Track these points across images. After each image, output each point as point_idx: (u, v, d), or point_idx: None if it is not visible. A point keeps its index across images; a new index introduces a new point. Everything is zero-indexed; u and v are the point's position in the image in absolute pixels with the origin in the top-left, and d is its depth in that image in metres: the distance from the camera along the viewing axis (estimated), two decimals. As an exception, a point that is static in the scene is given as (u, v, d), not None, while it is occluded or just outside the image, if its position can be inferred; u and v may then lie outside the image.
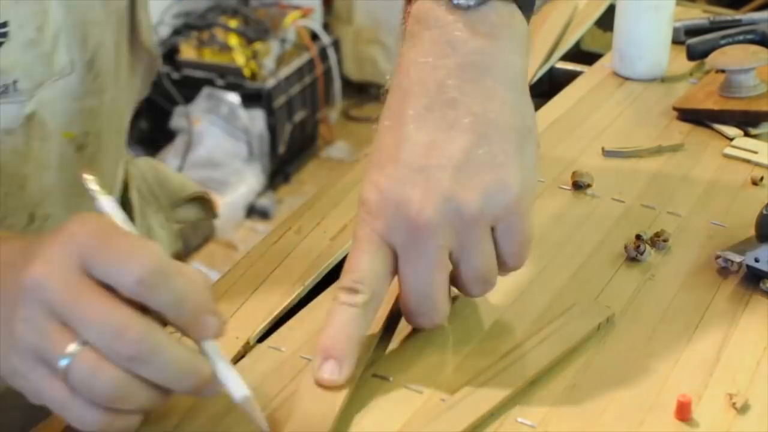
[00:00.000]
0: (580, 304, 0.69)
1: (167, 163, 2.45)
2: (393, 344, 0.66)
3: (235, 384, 0.54)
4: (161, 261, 0.50)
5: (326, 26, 3.10)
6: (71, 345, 0.49)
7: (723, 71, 0.96)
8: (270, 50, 2.74)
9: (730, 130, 0.93)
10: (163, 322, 0.52)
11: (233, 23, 2.75)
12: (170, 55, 2.73)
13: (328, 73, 2.96)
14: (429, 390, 0.62)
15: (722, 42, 1.02)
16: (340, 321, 0.59)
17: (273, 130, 2.73)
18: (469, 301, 0.70)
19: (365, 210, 0.59)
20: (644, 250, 0.74)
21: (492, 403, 0.60)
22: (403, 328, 0.67)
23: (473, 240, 0.58)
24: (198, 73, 2.72)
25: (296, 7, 2.87)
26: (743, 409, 0.61)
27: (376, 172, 0.58)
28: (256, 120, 2.70)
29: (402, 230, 0.58)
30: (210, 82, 2.71)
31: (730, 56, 0.95)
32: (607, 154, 0.89)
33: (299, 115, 2.85)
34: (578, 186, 0.84)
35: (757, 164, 0.88)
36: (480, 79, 0.56)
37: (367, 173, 0.59)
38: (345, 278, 0.60)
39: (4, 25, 0.65)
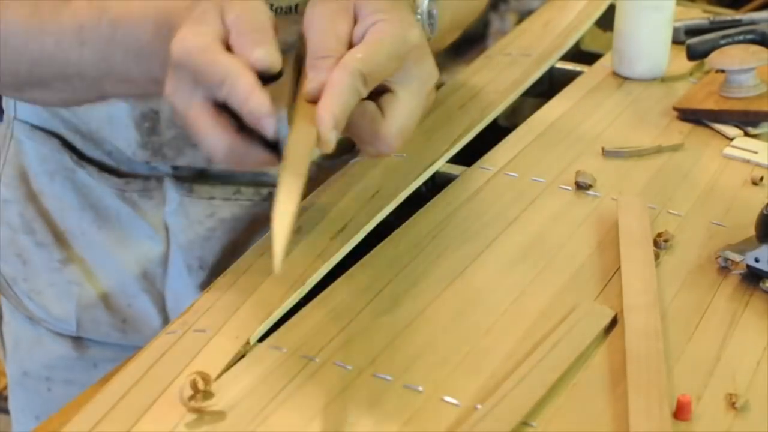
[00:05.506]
0: (583, 306, 0.69)
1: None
2: (393, 342, 0.66)
3: None
4: None
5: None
6: None
7: (723, 71, 0.96)
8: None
9: (730, 130, 0.93)
10: None
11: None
12: None
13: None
14: (429, 390, 0.62)
15: (722, 42, 1.02)
16: None
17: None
18: (469, 301, 0.70)
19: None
20: (644, 250, 0.74)
21: (522, 412, 0.59)
22: (404, 328, 0.67)
23: None
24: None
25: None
26: (743, 409, 0.61)
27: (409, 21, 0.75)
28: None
29: None
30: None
31: (730, 56, 0.95)
32: (607, 154, 0.89)
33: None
34: (580, 186, 0.84)
35: (757, 164, 0.88)
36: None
37: (406, 19, 0.73)
38: None
39: None
